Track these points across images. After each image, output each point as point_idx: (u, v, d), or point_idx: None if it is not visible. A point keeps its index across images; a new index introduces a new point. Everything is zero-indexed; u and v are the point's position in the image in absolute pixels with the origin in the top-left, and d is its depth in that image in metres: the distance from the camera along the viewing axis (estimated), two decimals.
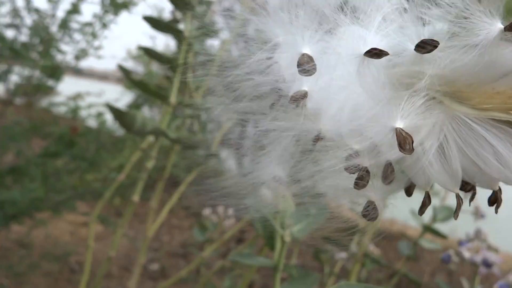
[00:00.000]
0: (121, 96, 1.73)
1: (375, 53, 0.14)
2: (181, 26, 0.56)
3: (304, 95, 0.15)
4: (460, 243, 0.53)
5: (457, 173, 0.14)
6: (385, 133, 0.14)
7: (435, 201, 0.81)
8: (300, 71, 0.15)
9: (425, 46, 0.13)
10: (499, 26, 0.13)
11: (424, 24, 0.14)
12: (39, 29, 1.40)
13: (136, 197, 0.68)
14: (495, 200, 0.15)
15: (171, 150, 0.77)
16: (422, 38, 0.14)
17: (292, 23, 0.15)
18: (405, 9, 0.15)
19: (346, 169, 0.15)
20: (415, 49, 0.14)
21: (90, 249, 0.80)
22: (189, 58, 0.47)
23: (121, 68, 0.52)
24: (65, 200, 1.29)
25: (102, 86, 2.00)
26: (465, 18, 0.13)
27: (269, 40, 0.16)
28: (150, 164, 0.61)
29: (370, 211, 0.16)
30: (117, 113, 0.46)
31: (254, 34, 0.18)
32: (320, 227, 0.40)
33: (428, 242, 0.77)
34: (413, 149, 0.13)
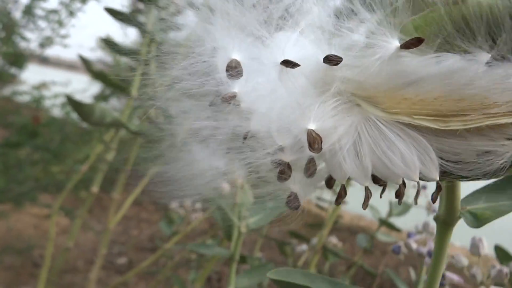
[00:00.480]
0: (88, 86, 1.69)
1: (290, 64, 0.15)
2: (143, 17, 0.57)
3: (233, 96, 0.17)
4: (409, 235, 0.56)
5: (367, 169, 0.16)
6: (303, 133, 0.16)
7: (391, 196, 0.85)
8: (227, 75, 0.16)
9: (331, 60, 0.15)
10: (396, 44, 0.15)
11: (338, 36, 0.16)
12: (0, 15, 1.35)
13: (95, 189, 0.68)
14: (399, 193, 0.17)
15: (134, 142, 0.77)
16: (328, 54, 0.15)
17: (229, 29, 0.17)
18: (326, 21, 0.16)
19: (271, 163, 0.17)
20: (324, 61, 0.15)
21: (51, 241, 0.79)
22: (152, 50, 0.48)
23: (82, 58, 0.52)
24: (27, 191, 1.26)
25: (69, 76, 1.95)
26: (373, 33, 0.15)
27: (207, 44, 0.17)
28: (110, 156, 0.61)
29: (292, 201, 0.18)
30: (75, 104, 0.46)
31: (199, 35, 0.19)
32: (279, 219, 0.42)
33: (384, 235, 0.81)
34: (321, 149, 0.15)
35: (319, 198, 1.06)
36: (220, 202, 0.38)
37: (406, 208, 0.80)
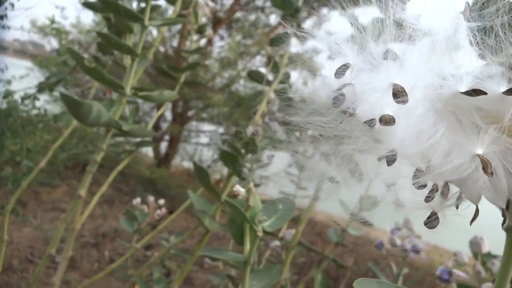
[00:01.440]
0: (31, 73, 1.55)
1: (471, 92, 0.16)
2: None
3: (391, 120, 0.17)
4: (392, 231, 0.60)
5: (505, 194, 0.17)
6: (467, 157, 0.16)
7: (362, 191, 0.89)
8: (396, 100, 0.17)
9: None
10: None
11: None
12: None
13: (25, 184, 0.65)
14: None
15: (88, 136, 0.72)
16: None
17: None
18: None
19: (414, 184, 0.18)
20: (503, 92, 0.16)
21: None
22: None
23: (72, 51, 0.47)
24: None
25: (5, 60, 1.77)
26: None
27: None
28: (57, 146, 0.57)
29: (433, 220, 0.18)
30: (70, 102, 0.42)
31: None
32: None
33: (354, 230, 0.85)
34: (492, 173, 0.16)
35: (282, 192, 1.08)
36: (235, 205, 0.38)
37: (375, 204, 0.84)
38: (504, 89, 0.17)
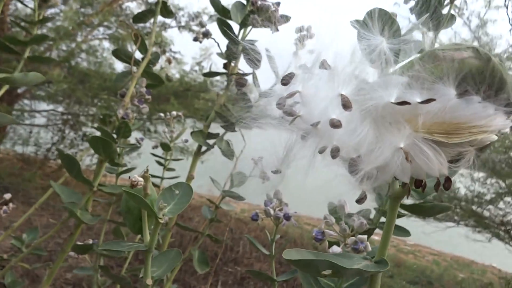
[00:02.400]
0: None
1: (400, 103, 0.21)
2: None
3: (339, 123, 0.21)
4: (265, 203, 0.66)
5: (409, 171, 0.23)
6: (392, 149, 0.21)
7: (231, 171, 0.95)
8: (345, 109, 0.21)
9: (429, 101, 0.21)
10: (454, 92, 0.22)
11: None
12: None
13: None
14: (438, 183, 0.25)
15: None
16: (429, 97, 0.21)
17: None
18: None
19: (350, 171, 0.22)
20: (419, 102, 0.21)
21: None
22: None
23: None
24: None
25: None
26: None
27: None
28: None
29: (363, 198, 0.23)
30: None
31: None
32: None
33: (226, 205, 0.90)
34: (411, 161, 0.21)
35: (151, 176, 1.07)
36: (136, 194, 0.37)
37: (244, 180, 0.90)
38: (419, 99, 0.23)
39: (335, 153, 0.23)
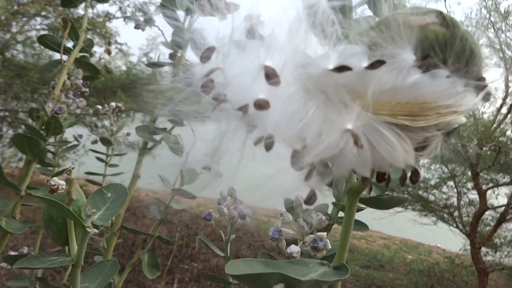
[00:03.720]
0: None
1: (338, 68, 0.16)
2: None
3: (266, 103, 0.16)
4: (219, 202, 0.61)
5: (369, 161, 0.18)
6: (338, 133, 0.17)
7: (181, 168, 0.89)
8: (269, 83, 0.16)
9: (375, 64, 0.17)
10: (413, 57, 0.18)
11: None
12: None
13: None
14: (404, 176, 0.21)
15: None
16: (377, 58, 0.17)
17: None
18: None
19: (293, 167, 0.17)
20: (365, 67, 0.17)
21: None
22: None
23: None
24: None
25: None
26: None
27: None
28: None
29: (312, 198, 0.18)
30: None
31: None
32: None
33: (177, 204, 0.84)
34: (362, 145, 0.17)
35: (89, 173, 0.99)
36: (55, 201, 0.31)
37: (195, 176, 0.85)
38: (366, 64, 0.18)
39: (269, 144, 0.19)
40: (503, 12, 3.01)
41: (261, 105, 0.18)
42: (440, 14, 0.20)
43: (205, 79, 0.19)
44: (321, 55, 0.18)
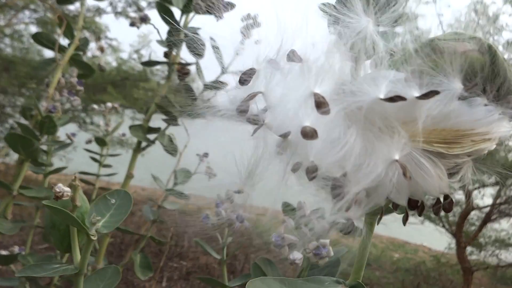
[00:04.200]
0: None
1: (392, 98, 0.16)
2: None
3: (314, 133, 0.16)
4: (217, 204, 0.61)
5: (407, 191, 0.18)
6: (385, 164, 0.16)
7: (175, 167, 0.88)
8: (320, 112, 0.15)
9: (429, 94, 0.17)
10: (461, 86, 0.18)
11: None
12: None
13: None
14: (438, 204, 0.21)
15: None
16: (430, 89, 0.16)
17: None
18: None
19: (334, 198, 0.17)
20: (416, 97, 0.17)
21: None
22: None
23: None
24: None
25: None
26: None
27: None
28: None
29: (351, 229, 0.18)
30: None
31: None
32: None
33: (170, 204, 0.84)
34: (411, 177, 0.17)
35: (84, 173, 0.97)
36: (60, 208, 0.30)
37: (188, 176, 0.84)
38: (417, 94, 0.17)
39: (312, 173, 0.18)
40: (491, 15, 3.05)
41: (309, 134, 0.17)
42: (480, 40, 0.20)
43: (244, 103, 0.19)
44: (368, 81, 0.18)
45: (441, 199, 0.22)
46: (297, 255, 0.39)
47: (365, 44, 0.19)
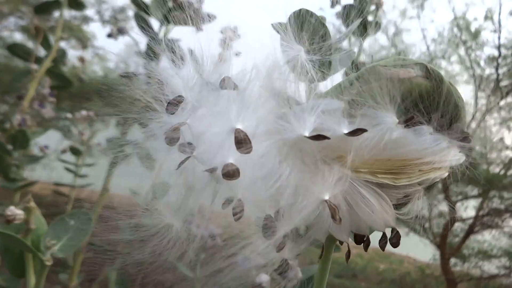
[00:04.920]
0: None
1: (315, 137, 0.15)
2: None
3: (236, 172, 0.15)
4: (188, 220, 0.60)
5: (348, 227, 0.17)
6: (315, 203, 0.16)
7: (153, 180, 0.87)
8: (240, 150, 0.15)
9: (357, 132, 0.16)
10: (395, 120, 0.17)
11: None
12: None
13: None
14: (385, 239, 0.20)
15: None
16: (357, 127, 0.16)
17: None
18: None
19: (265, 236, 0.16)
20: (345, 134, 0.16)
21: None
22: None
23: None
24: None
25: None
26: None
27: None
28: None
29: (285, 268, 0.17)
30: None
31: None
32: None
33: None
34: (341, 219, 0.16)
35: (58, 184, 0.96)
36: (8, 234, 0.29)
37: (166, 190, 0.83)
38: (346, 130, 0.17)
39: (238, 213, 0.17)
40: (473, 31, 3.12)
41: (230, 174, 0.16)
42: (425, 67, 0.20)
43: (169, 133, 0.18)
44: (297, 114, 0.17)
45: (387, 234, 0.21)
46: (263, 278, 0.38)
47: (298, 71, 0.18)
